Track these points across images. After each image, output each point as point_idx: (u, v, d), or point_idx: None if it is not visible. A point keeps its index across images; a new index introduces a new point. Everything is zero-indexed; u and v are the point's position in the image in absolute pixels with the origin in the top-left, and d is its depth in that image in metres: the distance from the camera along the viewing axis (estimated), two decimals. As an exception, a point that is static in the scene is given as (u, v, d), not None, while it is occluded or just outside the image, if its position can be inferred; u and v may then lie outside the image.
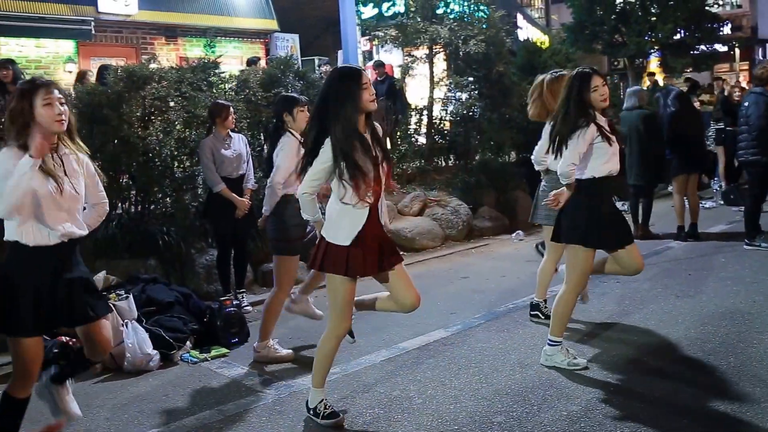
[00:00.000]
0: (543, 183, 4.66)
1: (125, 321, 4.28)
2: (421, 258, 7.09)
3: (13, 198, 2.62)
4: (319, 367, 3.24)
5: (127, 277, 4.95)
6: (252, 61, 9.54)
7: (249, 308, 5.34)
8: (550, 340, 3.78)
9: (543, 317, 4.54)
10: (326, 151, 3.01)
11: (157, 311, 4.56)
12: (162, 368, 4.17)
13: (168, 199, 5.94)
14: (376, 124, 3.17)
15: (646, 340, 4.12)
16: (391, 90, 9.25)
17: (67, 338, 4.38)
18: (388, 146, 8.39)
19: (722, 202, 9.33)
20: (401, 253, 3.60)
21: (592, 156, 3.65)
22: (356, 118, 3.00)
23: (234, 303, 4.84)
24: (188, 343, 4.41)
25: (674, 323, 4.39)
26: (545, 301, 4.64)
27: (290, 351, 4.24)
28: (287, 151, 4.02)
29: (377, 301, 3.46)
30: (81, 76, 7.69)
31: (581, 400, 3.32)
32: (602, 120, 3.69)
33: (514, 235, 7.99)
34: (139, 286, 4.77)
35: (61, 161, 2.82)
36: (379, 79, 9.47)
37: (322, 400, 3.23)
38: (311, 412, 3.25)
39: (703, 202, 9.34)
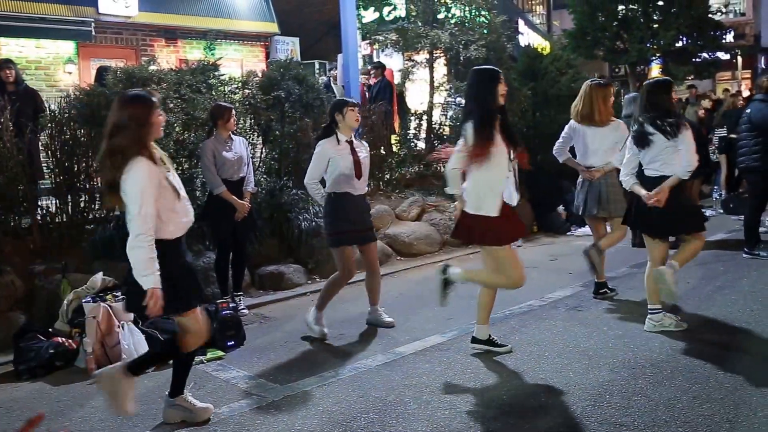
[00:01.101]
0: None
1: (121, 322, 4.27)
2: (418, 263, 7.09)
3: None
4: (483, 308, 4.15)
5: (123, 278, 4.93)
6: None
7: (245, 311, 5.34)
8: (652, 309, 4.37)
9: (610, 292, 5.30)
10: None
11: (153, 313, 4.55)
12: (157, 370, 4.15)
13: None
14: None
15: (643, 346, 4.11)
16: (384, 92, 9.22)
17: (63, 339, 4.39)
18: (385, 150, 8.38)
19: (722, 211, 9.32)
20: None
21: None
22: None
23: (231, 306, 4.84)
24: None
25: (671, 332, 4.38)
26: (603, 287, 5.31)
27: (325, 332, 4.68)
28: (316, 155, 4.64)
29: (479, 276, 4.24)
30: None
31: (577, 407, 3.31)
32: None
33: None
34: (136, 287, 4.74)
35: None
36: (375, 80, 9.46)
37: (489, 334, 4.15)
38: (484, 341, 4.13)
39: (703, 211, 9.34)
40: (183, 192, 3.23)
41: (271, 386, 3.83)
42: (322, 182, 4.75)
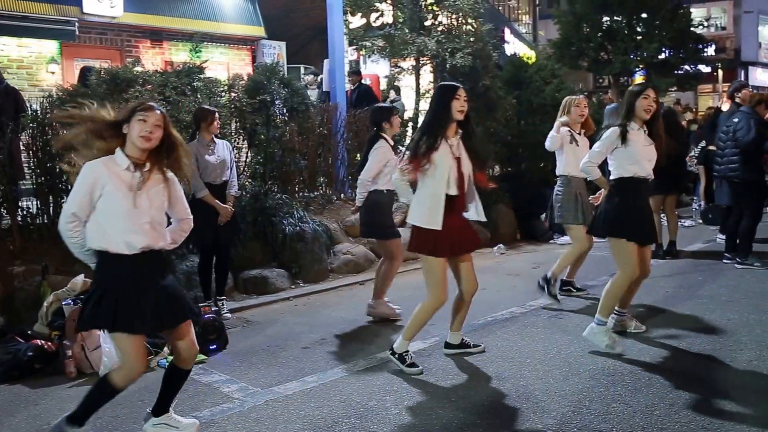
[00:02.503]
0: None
1: (101, 325, 4.23)
2: (401, 269, 7.07)
3: None
4: (412, 325, 4.00)
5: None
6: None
7: (228, 315, 5.31)
8: (598, 320, 4.22)
9: (575, 291, 5.56)
10: None
11: (134, 316, 4.51)
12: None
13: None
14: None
15: (621, 355, 4.15)
16: (363, 96, 9.23)
17: (42, 341, 4.34)
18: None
19: (701, 221, 9.46)
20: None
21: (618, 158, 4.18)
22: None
23: (213, 310, 4.82)
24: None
25: (650, 340, 4.44)
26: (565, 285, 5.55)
27: (399, 310, 5.07)
28: (379, 154, 4.98)
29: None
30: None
31: (557, 414, 3.34)
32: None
33: (495, 248, 8.04)
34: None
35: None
36: (352, 87, 9.47)
37: (407, 350, 4.01)
38: (396, 356, 4.01)
39: (682, 221, 9.47)
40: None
41: (253, 390, 3.82)
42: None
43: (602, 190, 4.45)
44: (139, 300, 2.96)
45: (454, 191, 3.85)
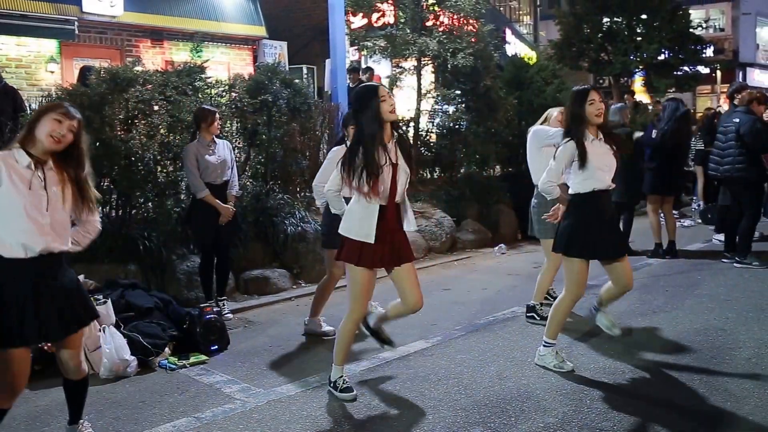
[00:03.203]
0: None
1: (103, 326, 4.22)
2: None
3: None
4: (340, 347, 3.64)
5: (106, 281, 4.89)
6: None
7: (230, 315, 5.30)
8: (545, 342, 3.99)
9: (539, 318, 4.85)
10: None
11: (135, 317, 4.52)
12: (139, 374, 4.13)
13: (150, 204, 5.88)
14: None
15: (623, 353, 4.16)
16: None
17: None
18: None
19: (700, 221, 9.47)
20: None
21: (573, 172, 3.82)
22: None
23: (214, 310, 4.80)
24: (167, 349, 4.37)
25: (650, 338, 4.45)
26: (541, 304, 4.95)
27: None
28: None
29: (390, 309, 3.81)
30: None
31: (558, 413, 3.34)
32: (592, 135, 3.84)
33: (496, 248, 8.03)
34: (118, 291, 4.71)
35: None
36: (351, 86, 9.44)
37: (341, 375, 3.65)
38: (331, 384, 3.67)
39: (682, 221, 9.48)
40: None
41: (254, 391, 3.81)
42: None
43: (559, 205, 4.04)
44: (26, 308, 2.73)
45: (384, 202, 3.46)
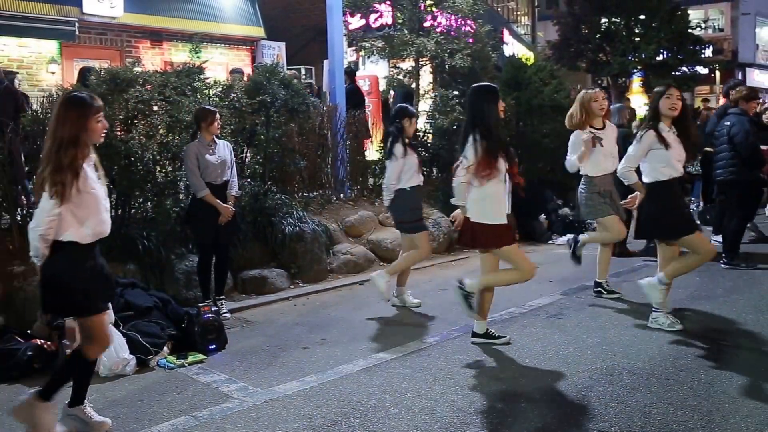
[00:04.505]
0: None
1: (101, 325, 4.24)
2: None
3: None
4: (485, 300, 4.39)
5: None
6: (236, 71, 9.42)
7: (228, 315, 5.32)
8: (654, 308, 4.62)
9: (605, 293, 5.54)
10: None
11: (134, 316, 4.53)
12: (138, 373, 4.14)
13: (149, 203, 5.90)
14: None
15: (621, 354, 4.18)
16: (349, 96, 9.21)
17: (41, 341, 4.34)
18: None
19: (699, 222, 9.46)
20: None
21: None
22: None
23: (213, 309, 4.82)
24: (165, 348, 4.39)
25: (648, 338, 4.46)
26: (606, 281, 5.63)
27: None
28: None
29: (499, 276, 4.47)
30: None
31: (555, 413, 3.35)
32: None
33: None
34: (118, 290, 4.71)
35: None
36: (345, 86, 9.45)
37: (488, 329, 4.41)
38: (480, 336, 4.39)
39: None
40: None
41: (252, 390, 3.83)
42: None
43: (637, 193, 4.59)
44: (98, 281, 3.23)
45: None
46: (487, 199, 4.17)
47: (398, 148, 5.29)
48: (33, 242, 3.03)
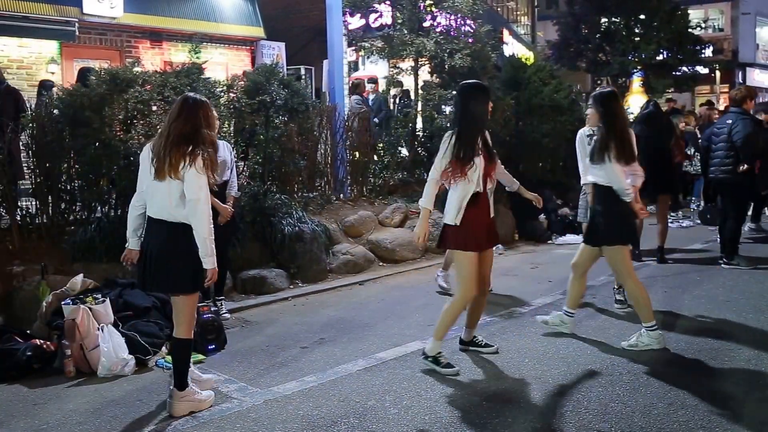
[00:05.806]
0: None
1: (101, 325, 4.24)
2: (400, 269, 7.12)
3: None
4: (442, 325, 3.99)
5: (104, 280, 4.91)
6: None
7: (227, 315, 5.32)
8: (646, 327, 4.25)
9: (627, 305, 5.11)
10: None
11: (133, 316, 4.53)
12: (137, 373, 4.14)
13: (148, 203, 5.89)
14: None
15: (621, 355, 4.17)
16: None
17: (41, 341, 4.34)
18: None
19: (699, 222, 9.47)
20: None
21: None
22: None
23: (212, 309, 4.82)
24: (164, 348, 4.38)
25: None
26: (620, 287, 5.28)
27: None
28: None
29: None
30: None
31: (555, 413, 3.35)
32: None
33: (493, 249, 8.02)
34: (117, 290, 4.73)
35: None
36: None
37: (440, 352, 4.00)
38: (430, 359, 3.99)
39: (681, 221, 9.49)
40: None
41: (251, 390, 3.82)
42: None
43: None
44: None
45: (480, 188, 3.98)
46: (451, 200, 4.01)
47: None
48: None
